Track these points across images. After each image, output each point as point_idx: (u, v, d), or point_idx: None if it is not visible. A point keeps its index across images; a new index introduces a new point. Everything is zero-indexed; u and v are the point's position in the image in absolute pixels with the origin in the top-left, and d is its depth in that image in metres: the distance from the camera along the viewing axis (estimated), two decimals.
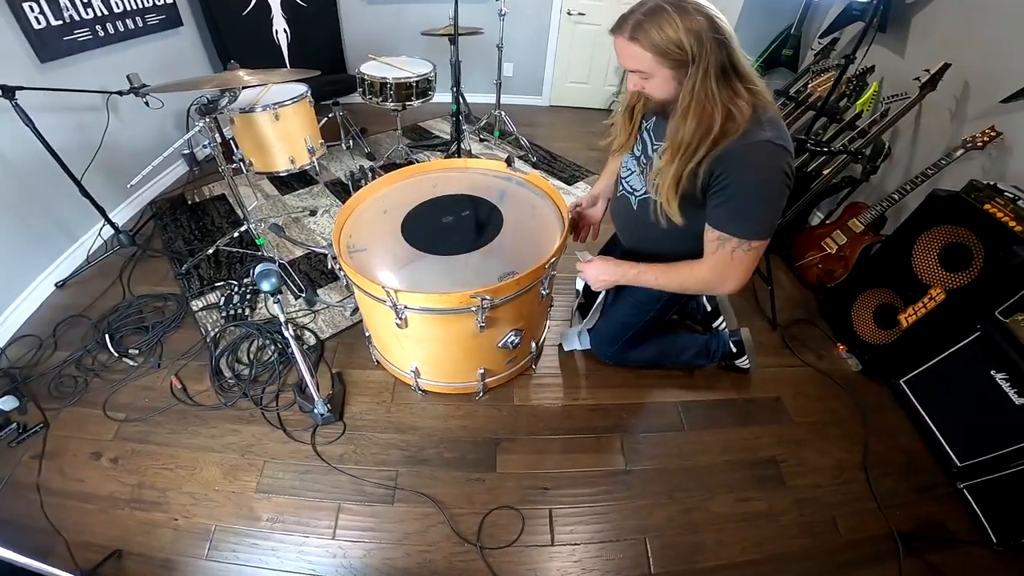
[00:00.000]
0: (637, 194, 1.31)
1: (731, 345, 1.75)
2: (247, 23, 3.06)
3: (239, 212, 2.19)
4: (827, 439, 1.63)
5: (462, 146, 2.86)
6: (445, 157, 3.07)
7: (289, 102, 2.19)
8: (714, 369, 1.81)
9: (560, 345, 1.85)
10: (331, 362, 1.74)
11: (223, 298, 1.91)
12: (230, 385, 1.64)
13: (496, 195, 1.61)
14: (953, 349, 1.53)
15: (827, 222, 2.34)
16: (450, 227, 1.49)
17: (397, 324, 1.27)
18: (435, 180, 1.70)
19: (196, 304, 1.92)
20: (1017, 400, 1.32)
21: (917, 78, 1.87)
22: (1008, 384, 1.35)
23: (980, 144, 1.65)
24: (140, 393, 1.61)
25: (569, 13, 3.59)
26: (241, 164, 2.29)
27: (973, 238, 1.51)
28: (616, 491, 1.44)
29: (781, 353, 1.92)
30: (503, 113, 3.22)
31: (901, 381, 1.73)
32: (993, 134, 1.64)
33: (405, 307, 1.23)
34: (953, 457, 1.52)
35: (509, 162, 1.79)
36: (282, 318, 1.20)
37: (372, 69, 2.63)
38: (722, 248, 1.10)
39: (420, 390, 1.61)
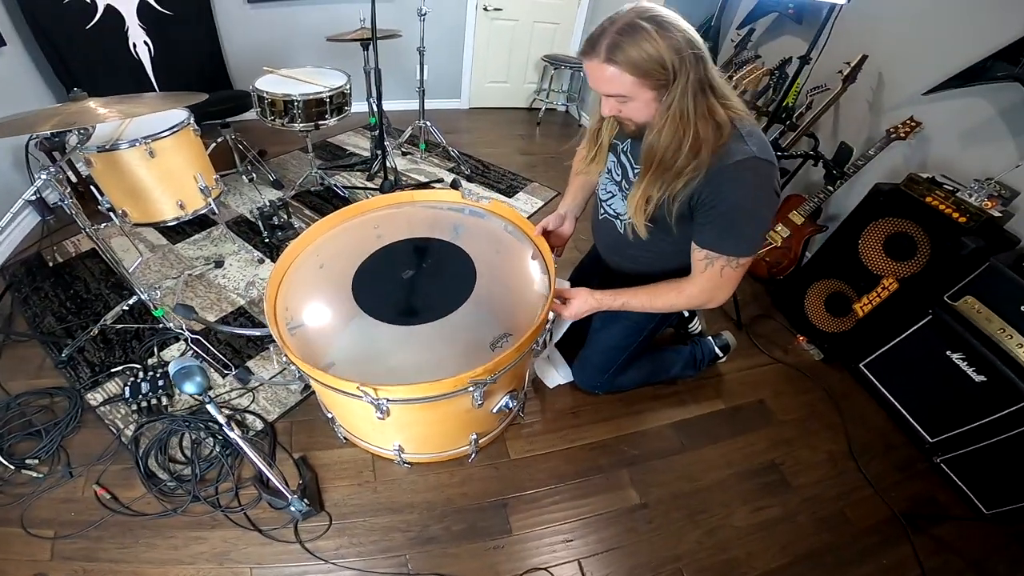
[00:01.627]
0: (623, 218, 1.34)
1: (717, 351, 1.87)
2: (93, 38, 2.67)
3: (121, 273, 1.92)
4: (813, 433, 1.80)
5: (386, 163, 2.74)
6: (368, 177, 2.94)
7: (166, 133, 1.80)
8: (694, 380, 1.92)
9: (534, 380, 1.83)
10: (290, 446, 1.58)
11: (127, 387, 1.64)
12: (172, 488, 1.45)
13: (450, 231, 1.53)
14: (907, 333, 1.75)
15: None
16: (415, 284, 1.37)
17: (379, 417, 1.16)
18: (376, 221, 1.58)
19: (94, 398, 1.65)
20: (976, 378, 1.54)
21: (840, 71, 2.10)
22: (965, 363, 1.56)
23: (903, 134, 1.88)
24: (61, 507, 1.40)
25: (485, 9, 3.60)
26: (112, 215, 1.88)
27: (918, 229, 1.73)
28: (638, 526, 1.48)
29: (751, 353, 2.09)
30: (428, 123, 3.15)
31: (861, 365, 1.95)
32: (914, 124, 1.88)
33: (387, 400, 1.12)
34: (924, 434, 1.73)
35: (455, 185, 1.75)
36: (222, 419, 1.06)
37: (271, 84, 2.38)
38: (711, 267, 1.15)
39: (405, 463, 1.53)
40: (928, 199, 1.70)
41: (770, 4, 2.66)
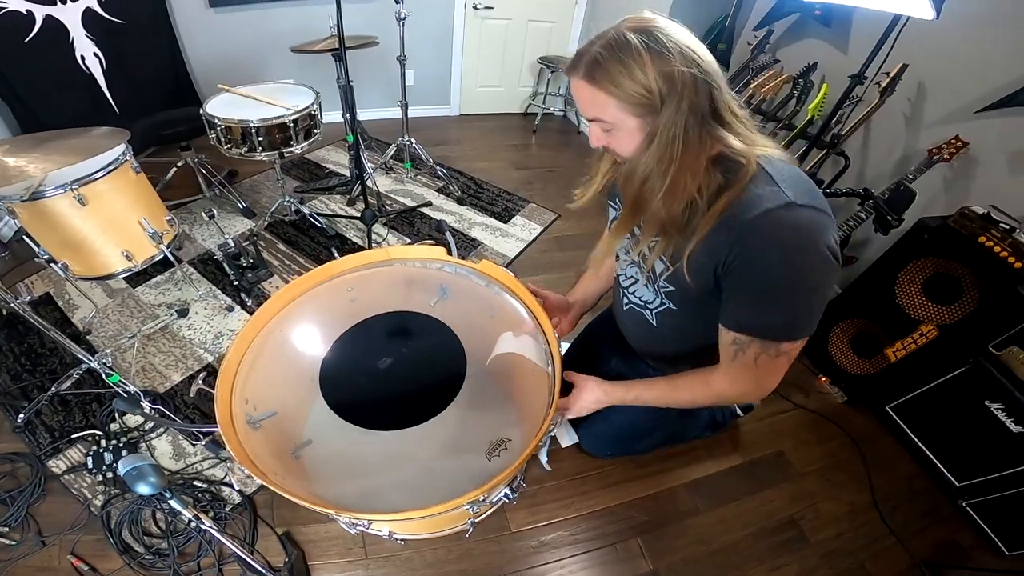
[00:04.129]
0: (652, 307, 1.24)
1: (739, 411, 1.91)
2: (34, 52, 2.70)
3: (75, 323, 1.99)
4: (836, 484, 1.88)
5: (367, 185, 2.79)
6: (348, 202, 3.00)
7: (99, 174, 1.72)
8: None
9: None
10: (272, 520, 1.63)
11: (89, 457, 1.69)
12: (151, 562, 1.51)
13: (436, 292, 1.48)
14: (942, 379, 1.81)
15: None
16: (393, 376, 1.27)
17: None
18: (351, 283, 1.51)
19: (56, 466, 1.70)
20: (1015, 428, 1.61)
21: (877, 82, 2.09)
22: (1004, 413, 1.64)
23: (947, 156, 1.88)
24: (39, 575, 1.50)
25: (475, 7, 3.67)
26: (53, 266, 1.83)
27: (966, 272, 1.72)
28: None
29: (770, 399, 2.12)
30: (414, 141, 3.21)
31: (887, 408, 2.04)
32: (960, 144, 1.87)
33: (368, 521, 1.10)
34: (951, 478, 1.83)
35: (441, 229, 1.75)
36: (188, 515, 1.11)
37: (225, 107, 2.34)
38: (741, 355, 1.00)
39: (399, 540, 1.59)
40: (982, 239, 1.66)
41: (792, 4, 2.67)
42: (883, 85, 2.09)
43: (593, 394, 1.23)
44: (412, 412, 1.18)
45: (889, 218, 1.95)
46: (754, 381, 1.05)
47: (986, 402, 1.68)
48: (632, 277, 1.30)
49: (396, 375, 1.28)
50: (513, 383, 1.26)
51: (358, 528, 1.11)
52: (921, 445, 1.93)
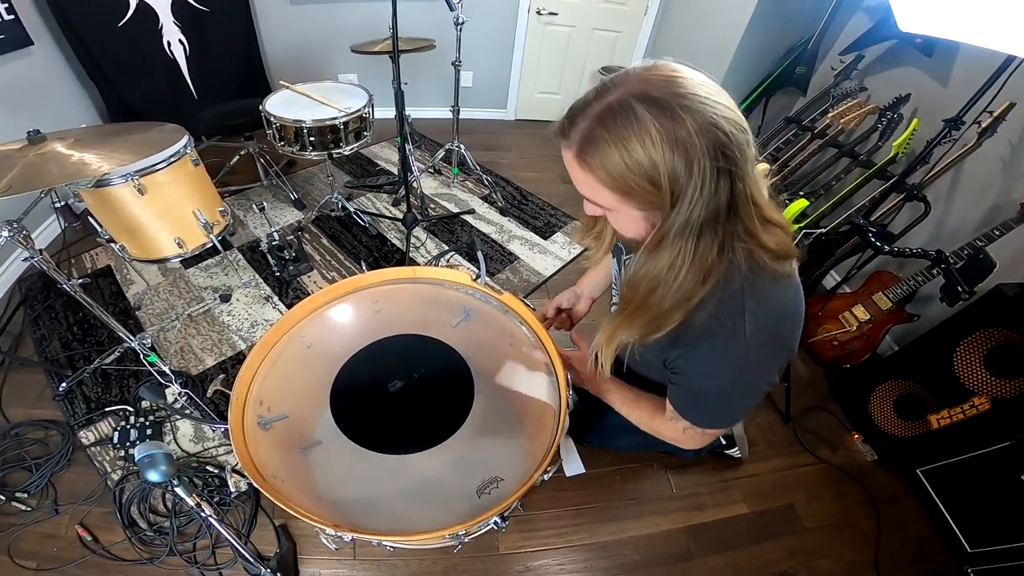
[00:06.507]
0: None
1: (721, 439, 1.92)
2: (125, 36, 2.96)
3: (128, 298, 2.19)
4: (840, 542, 1.86)
5: (412, 186, 2.92)
6: (393, 202, 3.15)
7: (161, 165, 1.88)
8: (720, 481, 1.99)
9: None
10: (272, 511, 1.77)
11: (116, 431, 1.88)
12: (151, 538, 1.68)
13: (459, 313, 1.55)
14: (983, 451, 1.74)
15: (845, 290, 2.41)
16: (401, 400, 1.34)
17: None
18: (376, 296, 1.58)
19: (86, 436, 1.90)
20: None
21: (977, 122, 1.90)
22: None
23: None
24: (45, 541, 1.67)
25: (539, 12, 3.72)
26: (112, 246, 2.05)
27: None
28: None
29: (794, 451, 2.11)
30: (463, 146, 3.28)
31: (918, 470, 1.97)
32: None
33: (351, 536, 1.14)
34: (964, 543, 1.79)
35: (473, 248, 1.79)
36: (191, 502, 1.21)
37: (282, 106, 2.49)
38: (676, 422, 1.15)
39: (387, 547, 1.68)
40: None
41: (890, 31, 2.49)
42: (983, 125, 1.90)
43: (588, 362, 1.30)
44: (412, 440, 1.25)
45: (959, 288, 1.79)
46: (681, 441, 1.23)
47: (1023, 477, 1.62)
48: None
49: (403, 400, 1.34)
50: (517, 423, 1.31)
51: (338, 544, 1.20)
52: (943, 509, 1.88)
